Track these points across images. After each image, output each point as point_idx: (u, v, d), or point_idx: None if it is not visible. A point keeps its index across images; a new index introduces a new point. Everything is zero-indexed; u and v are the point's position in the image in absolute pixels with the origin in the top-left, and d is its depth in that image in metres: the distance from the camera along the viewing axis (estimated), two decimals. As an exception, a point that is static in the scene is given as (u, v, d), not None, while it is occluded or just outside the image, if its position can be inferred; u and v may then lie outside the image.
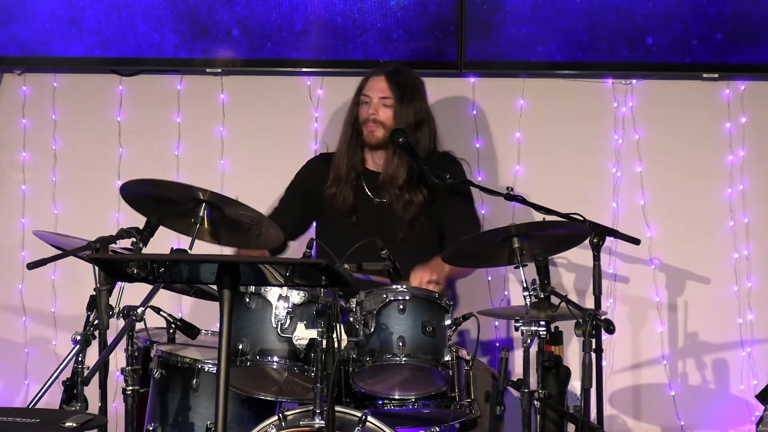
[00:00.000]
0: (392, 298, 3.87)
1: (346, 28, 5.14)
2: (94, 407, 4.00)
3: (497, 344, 5.17)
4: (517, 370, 4.04)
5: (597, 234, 4.31)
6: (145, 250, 4.02)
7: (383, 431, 3.75)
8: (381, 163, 4.61)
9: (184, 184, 4.22)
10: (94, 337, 3.88)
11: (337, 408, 3.69)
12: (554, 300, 3.97)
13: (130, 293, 3.95)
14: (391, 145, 4.52)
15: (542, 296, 3.98)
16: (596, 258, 4.34)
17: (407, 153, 4.50)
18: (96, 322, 3.86)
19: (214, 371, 3.93)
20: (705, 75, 5.14)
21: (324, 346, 3.66)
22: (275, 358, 3.83)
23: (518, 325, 3.93)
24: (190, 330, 4.00)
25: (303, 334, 3.79)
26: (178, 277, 3.27)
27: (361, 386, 3.90)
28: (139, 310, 3.85)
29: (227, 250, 4.66)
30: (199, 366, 3.99)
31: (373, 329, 3.85)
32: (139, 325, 3.96)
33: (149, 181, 4.13)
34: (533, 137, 5.23)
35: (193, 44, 5.20)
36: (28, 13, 5.21)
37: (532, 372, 4.00)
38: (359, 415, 3.77)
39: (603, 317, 3.84)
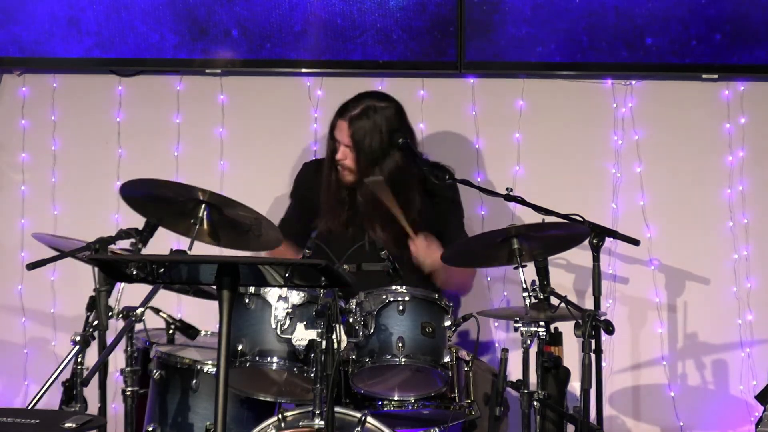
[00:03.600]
0: (392, 299, 3.87)
1: (346, 29, 5.14)
2: (93, 408, 4.01)
3: (497, 345, 5.18)
4: (516, 371, 4.03)
5: (596, 235, 4.31)
6: (144, 251, 4.03)
7: (382, 432, 3.76)
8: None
9: (183, 184, 4.22)
10: (94, 338, 3.88)
11: (337, 409, 3.69)
12: (554, 301, 3.98)
13: (130, 294, 3.95)
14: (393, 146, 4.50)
15: (542, 297, 3.98)
16: (596, 259, 4.34)
17: (407, 154, 4.49)
18: (95, 322, 3.86)
19: (214, 372, 3.93)
20: (704, 75, 5.14)
21: (323, 346, 3.66)
22: (275, 359, 3.83)
23: (518, 325, 3.93)
24: (190, 331, 4.00)
25: (302, 335, 3.79)
26: (178, 277, 3.27)
27: (361, 387, 3.90)
28: (139, 311, 3.86)
29: (227, 252, 4.65)
30: (199, 367, 4.00)
31: (372, 330, 3.85)
32: (138, 326, 3.96)
33: (148, 181, 4.13)
34: (533, 138, 5.22)
35: (193, 45, 5.20)
36: (28, 13, 5.21)
37: (532, 373, 4.00)
38: (359, 415, 3.77)
39: (602, 318, 3.84)
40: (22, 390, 5.32)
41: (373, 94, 4.65)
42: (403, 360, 3.83)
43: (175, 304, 5.06)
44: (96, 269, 3.77)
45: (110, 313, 3.85)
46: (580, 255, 4.71)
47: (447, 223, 4.61)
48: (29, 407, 3.84)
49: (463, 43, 5.12)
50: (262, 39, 5.18)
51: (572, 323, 3.78)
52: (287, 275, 3.13)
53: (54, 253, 4.16)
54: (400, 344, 3.83)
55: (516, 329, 3.93)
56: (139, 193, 4.15)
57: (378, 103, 4.55)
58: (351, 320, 3.87)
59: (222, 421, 3.09)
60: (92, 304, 3.92)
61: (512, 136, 5.23)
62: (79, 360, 3.86)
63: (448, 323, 3.91)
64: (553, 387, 4.07)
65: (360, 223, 4.52)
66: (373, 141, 4.47)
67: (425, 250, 4.43)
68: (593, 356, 3.80)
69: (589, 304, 4.69)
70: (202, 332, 4.18)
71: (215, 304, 3.23)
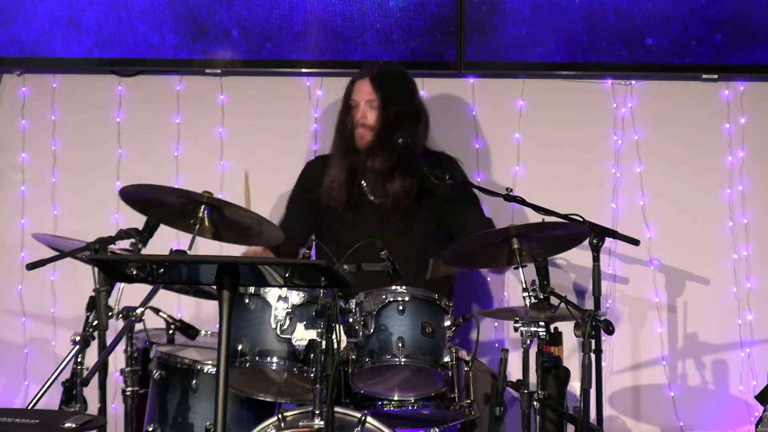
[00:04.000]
0: (392, 299, 3.87)
1: (346, 29, 5.14)
2: (93, 408, 4.00)
3: (497, 345, 5.17)
4: (516, 371, 4.03)
5: (596, 235, 4.31)
6: (144, 251, 4.03)
7: (382, 432, 3.76)
8: (380, 163, 4.61)
9: (182, 190, 4.22)
10: (94, 338, 3.88)
11: (337, 409, 3.69)
12: (554, 301, 3.97)
13: (130, 294, 3.95)
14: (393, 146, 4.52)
15: (542, 297, 3.98)
16: (596, 259, 4.34)
17: (407, 154, 4.50)
18: (95, 322, 3.86)
19: (214, 372, 3.93)
20: (704, 75, 5.14)
21: (323, 347, 3.66)
22: (274, 359, 3.82)
23: (518, 325, 3.92)
24: (189, 331, 4.00)
25: (302, 335, 3.79)
26: (178, 277, 3.27)
27: (361, 387, 3.90)
28: (138, 311, 3.86)
29: (228, 248, 4.65)
30: (199, 367, 3.99)
31: (372, 330, 3.84)
32: (138, 326, 3.96)
33: (147, 187, 4.13)
34: (533, 138, 5.23)
35: (193, 45, 5.20)
36: (28, 13, 5.21)
37: (532, 373, 4.00)
38: (358, 415, 3.77)
39: (602, 318, 3.84)
40: (22, 390, 5.32)
41: (386, 62, 4.88)
42: (403, 360, 3.83)
43: (175, 304, 5.06)
44: (96, 269, 3.77)
45: (110, 313, 3.85)
46: (580, 255, 4.71)
47: (473, 219, 4.62)
48: (29, 407, 3.84)
49: (463, 43, 5.12)
50: (262, 39, 5.18)
51: (572, 323, 3.78)
52: (287, 275, 3.13)
53: (54, 253, 4.16)
54: (400, 344, 3.83)
55: (516, 329, 3.93)
56: (139, 196, 4.16)
57: (393, 68, 4.75)
58: (351, 320, 3.87)
59: (222, 421, 3.09)
60: (92, 304, 3.92)
61: (512, 136, 5.23)
62: (79, 360, 3.86)
63: (448, 323, 3.91)
64: (553, 387, 4.07)
65: (362, 205, 4.55)
66: (395, 96, 4.58)
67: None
68: (593, 356, 3.80)
69: (589, 304, 4.69)
70: (202, 332, 4.17)
71: (215, 304, 3.23)
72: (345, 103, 4.64)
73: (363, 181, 4.61)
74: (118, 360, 4.11)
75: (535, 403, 3.97)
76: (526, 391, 3.95)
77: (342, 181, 4.57)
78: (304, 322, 3.80)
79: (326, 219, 4.64)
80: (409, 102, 4.61)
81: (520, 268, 4.01)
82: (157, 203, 4.11)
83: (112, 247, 4.03)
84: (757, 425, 4.19)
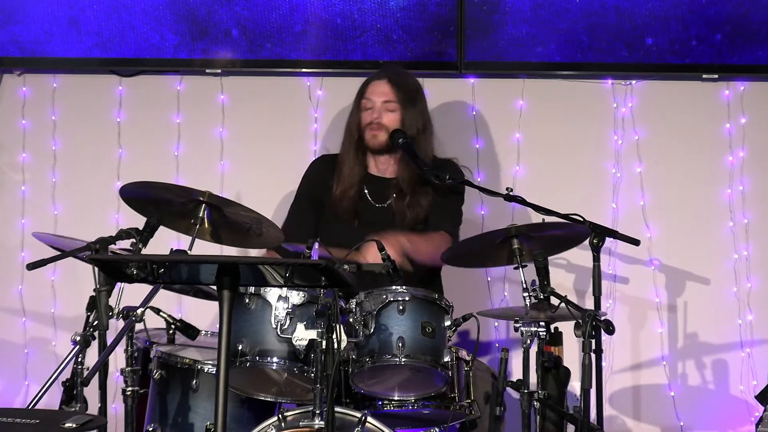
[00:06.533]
0: (392, 299, 3.87)
1: (346, 29, 5.14)
2: (93, 408, 4.00)
3: (497, 345, 5.18)
4: (516, 371, 4.03)
5: (597, 235, 4.31)
6: (144, 251, 4.03)
7: (382, 432, 3.76)
8: (384, 168, 4.61)
9: (183, 187, 4.22)
10: (94, 338, 3.87)
11: (337, 409, 3.69)
12: (554, 301, 3.97)
13: (130, 294, 3.95)
14: (393, 146, 4.53)
15: (542, 297, 3.98)
16: (596, 259, 4.34)
17: (407, 153, 4.50)
18: (95, 322, 3.86)
19: (214, 372, 3.93)
20: (704, 75, 5.14)
21: (324, 346, 3.65)
22: (275, 359, 3.82)
23: (518, 325, 3.92)
24: (190, 331, 4.00)
25: (303, 335, 3.79)
26: (178, 277, 3.27)
27: (361, 387, 3.90)
28: (139, 311, 3.85)
29: (228, 250, 4.66)
30: (199, 367, 3.99)
31: (372, 330, 3.84)
32: (138, 326, 3.96)
33: (148, 184, 4.14)
34: (533, 138, 5.23)
35: (193, 45, 5.20)
36: (28, 14, 5.22)
37: (532, 373, 4.00)
38: (359, 415, 3.76)
39: (603, 318, 3.84)
40: (22, 390, 5.32)
41: (399, 67, 4.86)
42: (403, 360, 3.83)
43: (175, 304, 5.07)
44: (96, 269, 3.77)
45: (110, 313, 3.84)
46: (580, 255, 4.71)
47: (445, 212, 4.61)
48: (29, 407, 3.84)
49: (463, 43, 5.12)
50: (262, 39, 5.18)
51: (572, 323, 3.78)
52: (287, 275, 3.13)
53: (54, 253, 4.16)
54: (400, 344, 3.83)
55: (516, 329, 3.93)
56: (139, 195, 4.16)
57: (408, 73, 4.71)
58: (351, 320, 3.87)
59: (222, 421, 3.09)
60: (92, 304, 3.91)
61: (512, 136, 5.23)
62: (79, 360, 3.85)
63: (448, 323, 3.91)
64: (553, 387, 4.07)
65: (364, 210, 4.53)
66: (413, 103, 4.58)
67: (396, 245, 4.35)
68: (593, 356, 3.80)
69: (589, 304, 4.69)
70: (202, 332, 4.17)
71: (215, 304, 3.23)
72: (356, 103, 4.61)
73: (365, 188, 4.60)
74: (118, 360, 4.11)
75: (535, 403, 3.97)
76: (526, 391, 3.95)
77: (351, 194, 4.55)
78: (305, 322, 3.80)
79: (330, 222, 4.62)
80: (421, 109, 4.61)
81: (520, 268, 4.01)
82: (157, 202, 4.11)
83: (112, 247, 4.02)
84: (757, 425, 4.19)
